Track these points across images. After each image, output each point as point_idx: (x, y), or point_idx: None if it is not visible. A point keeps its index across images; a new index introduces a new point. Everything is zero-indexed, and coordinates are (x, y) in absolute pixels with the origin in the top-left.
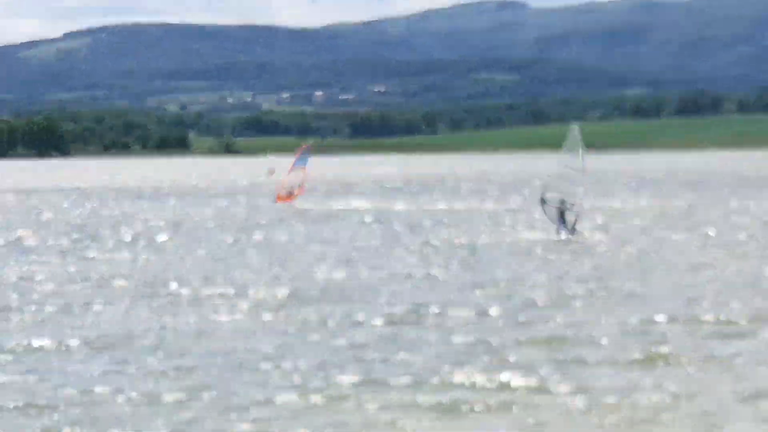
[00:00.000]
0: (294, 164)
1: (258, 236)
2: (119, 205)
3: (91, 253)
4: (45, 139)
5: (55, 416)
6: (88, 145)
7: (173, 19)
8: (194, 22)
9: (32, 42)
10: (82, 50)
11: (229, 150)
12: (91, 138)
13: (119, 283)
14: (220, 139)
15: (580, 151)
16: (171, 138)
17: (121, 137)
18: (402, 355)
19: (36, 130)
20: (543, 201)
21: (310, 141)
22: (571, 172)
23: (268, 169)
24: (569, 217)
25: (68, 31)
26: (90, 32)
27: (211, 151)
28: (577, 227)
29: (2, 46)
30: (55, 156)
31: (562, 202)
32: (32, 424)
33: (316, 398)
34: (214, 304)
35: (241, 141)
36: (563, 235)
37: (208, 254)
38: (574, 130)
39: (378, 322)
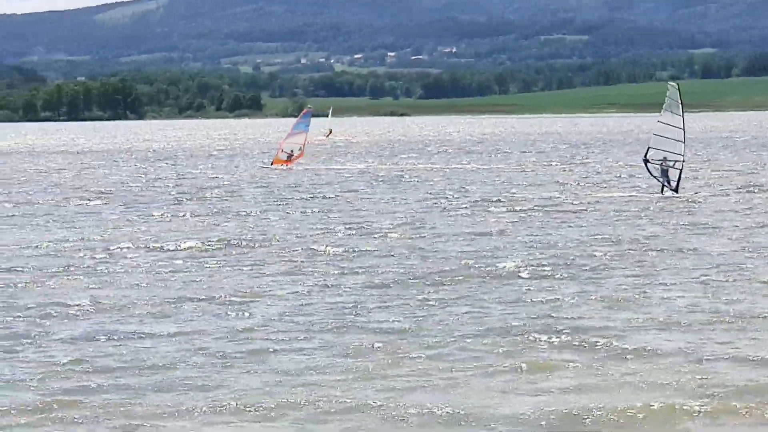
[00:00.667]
0: (293, 127)
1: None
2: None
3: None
4: (120, 101)
5: None
6: (163, 107)
7: None
8: None
9: (107, 4)
10: (156, 12)
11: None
12: (166, 100)
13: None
14: (293, 100)
15: (680, 108)
16: (244, 99)
17: (195, 99)
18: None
19: (111, 92)
20: (646, 160)
21: (386, 100)
22: (672, 129)
23: (326, 130)
24: (672, 175)
25: None
26: None
27: (284, 113)
28: (681, 184)
29: (78, 9)
30: (130, 118)
31: (665, 159)
32: None
33: None
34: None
35: (313, 102)
36: (668, 192)
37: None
38: (673, 88)
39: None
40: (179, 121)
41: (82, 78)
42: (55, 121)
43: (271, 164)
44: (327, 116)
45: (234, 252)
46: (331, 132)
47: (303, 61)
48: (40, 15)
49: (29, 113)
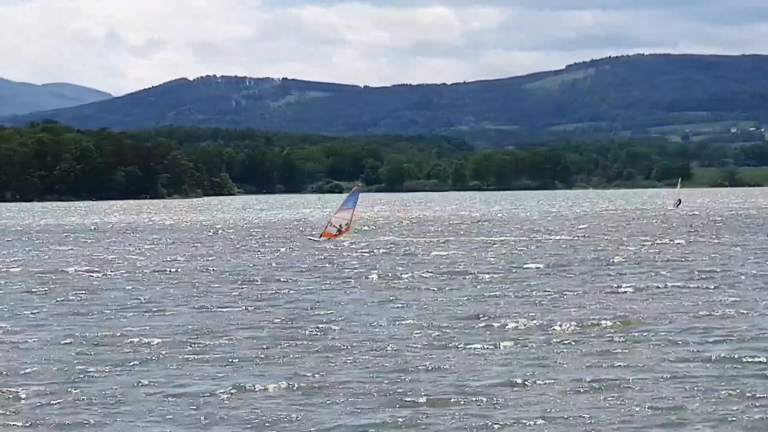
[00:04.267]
0: (343, 204)
1: None
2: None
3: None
4: (548, 169)
5: None
6: (592, 175)
7: (673, 51)
8: (694, 53)
9: (536, 74)
10: (584, 82)
11: (732, 181)
12: (595, 169)
13: None
14: (722, 170)
15: None
16: (673, 168)
17: (624, 168)
18: None
19: (540, 161)
20: None
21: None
22: None
23: (675, 200)
24: None
25: (571, 63)
26: (593, 64)
27: (714, 182)
28: None
29: (507, 78)
30: (559, 187)
31: None
32: None
33: None
34: None
35: (744, 171)
36: None
37: None
38: None
39: None
40: (607, 191)
41: (510, 147)
42: (484, 190)
43: (320, 237)
44: (678, 186)
45: None
46: (680, 202)
47: (733, 130)
48: (471, 85)
49: (458, 182)
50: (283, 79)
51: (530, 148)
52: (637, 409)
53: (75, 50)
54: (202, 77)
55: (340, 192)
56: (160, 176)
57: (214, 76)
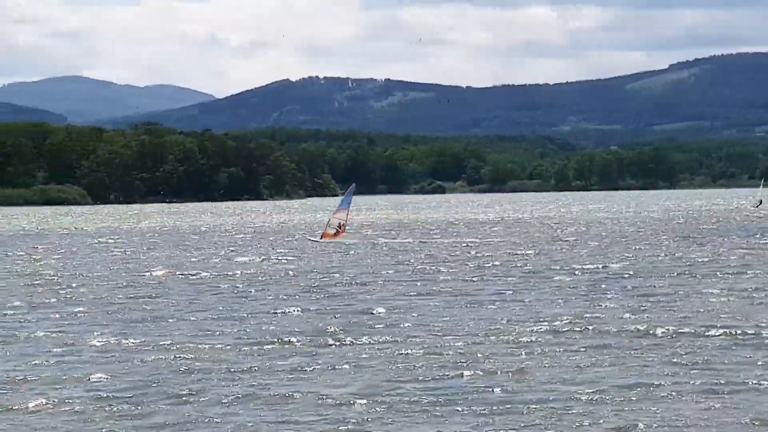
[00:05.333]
0: (339, 206)
1: None
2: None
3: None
4: (652, 169)
5: None
6: (695, 175)
7: None
8: None
9: (640, 74)
10: (688, 81)
11: None
12: (699, 168)
13: None
14: None
15: None
16: None
17: (728, 168)
18: None
19: (643, 161)
20: None
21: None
22: None
23: (756, 200)
24: None
25: (674, 62)
26: (696, 63)
27: None
28: None
29: (611, 78)
30: (662, 186)
31: None
32: None
33: None
34: None
35: None
36: None
37: None
38: None
39: None
40: (712, 190)
41: (613, 147)
42: (587, 190)
43: (321, 238)
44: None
45: None
46: (761, 203)
47: None
48: (573, 85)
49: (561, 182)
50: (385, 80)
51: (633, 148)
52: None
53: (178, 52)
54: (304, 78)
55: (443, 192)
56: (262, 177)
57: (317, 77)
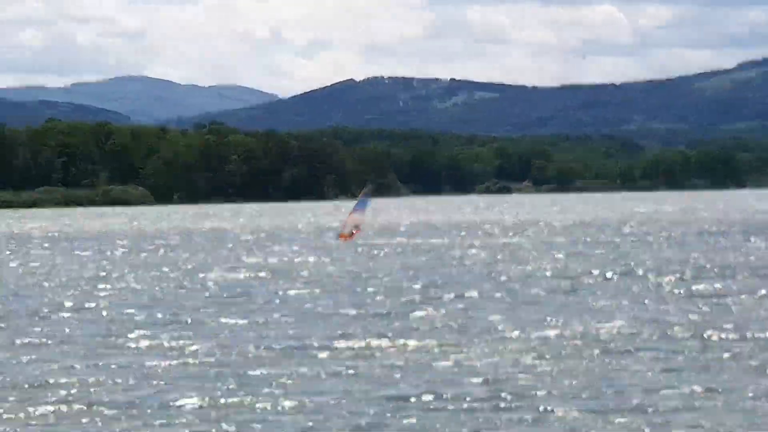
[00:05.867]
0: (355, 207)
1: None
2: None
3: None
4: (720, 169)
5: None
6: (763, 174)
7: None
8: None
9: (707, 73)
10: (755, 80)
11: None
12: (765, 168)
13: None
14: None
15: None
16: None
17: None
18: None
19: (710, 161)
20: None
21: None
22: None
23: None
24: None
25: (742, 61)
26: (765, 62)
27: None
28: None
29: (677, 77)
30: (730, 186)
31: None
32: None
33: None
34: None
35: None
36: None
37: None
38: None
39: None
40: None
41: (680, 146)
42: (653, 190)
43: (339, 238)
44: None
45: None
46: None
47: None
48: (639, 84)
49: (627, 181)
50: (450, 79)
51: (701, 148)
52: None
53: (240, 51)
54: (368, 78)
55: (509, 192)
56: (326, 177)
57: (381, 76)
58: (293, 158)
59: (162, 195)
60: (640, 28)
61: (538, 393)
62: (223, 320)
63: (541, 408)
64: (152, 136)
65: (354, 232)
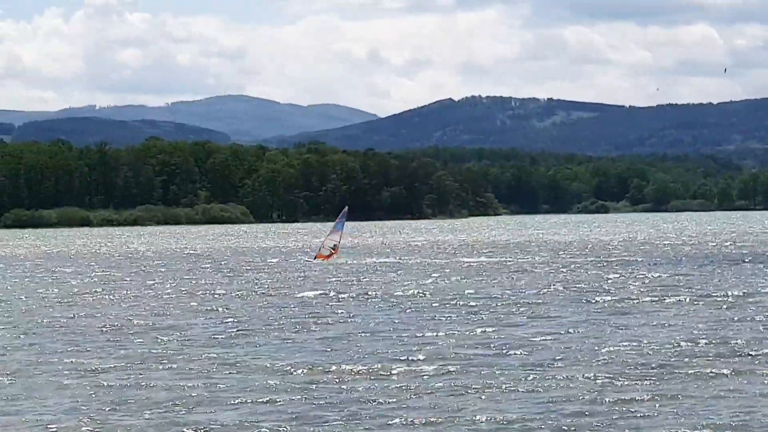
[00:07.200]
0: (334, 226)
1: None
2: None
3: None
4: None
5: None
6: None
7: None
8: None
9: None
10: None
11: None
12: None
13: None
14: None
15: None
16: None
17: None
18: None
19: None
20: None
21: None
22: None
23: None
24: None
25: None
26: None
27: None
28: None
29: None
30: None
31: None
32: None
33: None
34: None
35: None
36: None
37: None
38: None
39: None
40: None
41: None
42: (750, 209)
43: (315, 258)
44: None
45: None
46: None
47: None
48: (736, 104)
49: (724, 201)
50: (548, 99)
51: None
52: None
53: (339, 71)
54: (467, 97)
55: (606, 212)
56: (425, 196)
57: (479, 96)
58: (392, 177)
59: (261, 214)
60: (736, 48)
61: None
62: None
63: None
64: (252, 155)
65: (332, 252)
